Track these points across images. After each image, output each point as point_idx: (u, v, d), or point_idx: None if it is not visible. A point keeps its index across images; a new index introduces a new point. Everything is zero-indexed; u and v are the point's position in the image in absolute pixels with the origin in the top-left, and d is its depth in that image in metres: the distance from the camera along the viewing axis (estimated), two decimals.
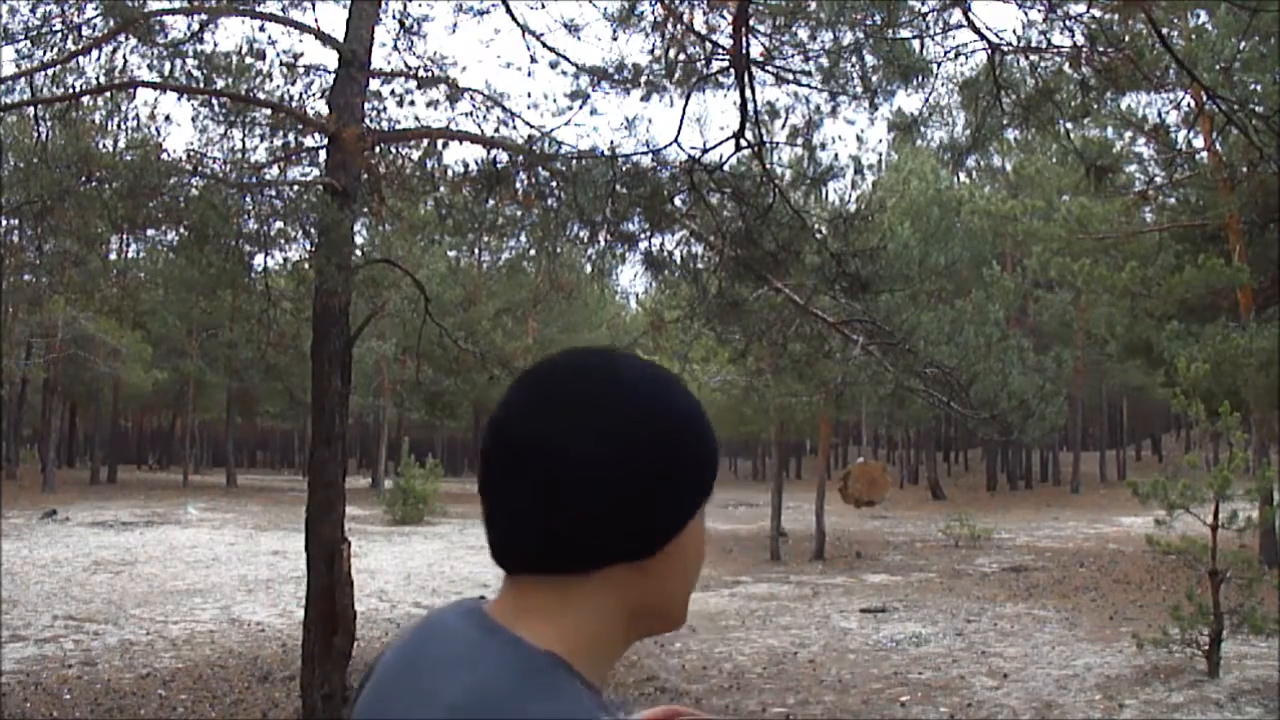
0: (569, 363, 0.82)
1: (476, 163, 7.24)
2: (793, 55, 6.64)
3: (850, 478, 17.33)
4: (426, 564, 16.27)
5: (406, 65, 8.55)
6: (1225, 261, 14.03)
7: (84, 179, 6.69)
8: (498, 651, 0.76)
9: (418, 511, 23.49)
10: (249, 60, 7.87)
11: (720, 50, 6.62)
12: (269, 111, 7.99)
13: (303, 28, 7.88)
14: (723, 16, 6.59)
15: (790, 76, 6.77)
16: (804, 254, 7.28)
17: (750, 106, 6.35)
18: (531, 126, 8.06)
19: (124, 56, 7.46)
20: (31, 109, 7.28)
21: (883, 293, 7.45)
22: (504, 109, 8.40)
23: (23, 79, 7.06)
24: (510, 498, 0.79)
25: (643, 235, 7.21)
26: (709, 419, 0.84)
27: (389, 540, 19.74)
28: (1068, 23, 5.76)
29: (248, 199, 7.55)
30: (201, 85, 7.68)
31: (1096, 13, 5.65)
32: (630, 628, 0.82)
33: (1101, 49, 5.68)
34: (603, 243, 7.32)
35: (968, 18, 5.89)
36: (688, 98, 6.71)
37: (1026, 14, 5.90)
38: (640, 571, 0.79)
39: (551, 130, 7.79)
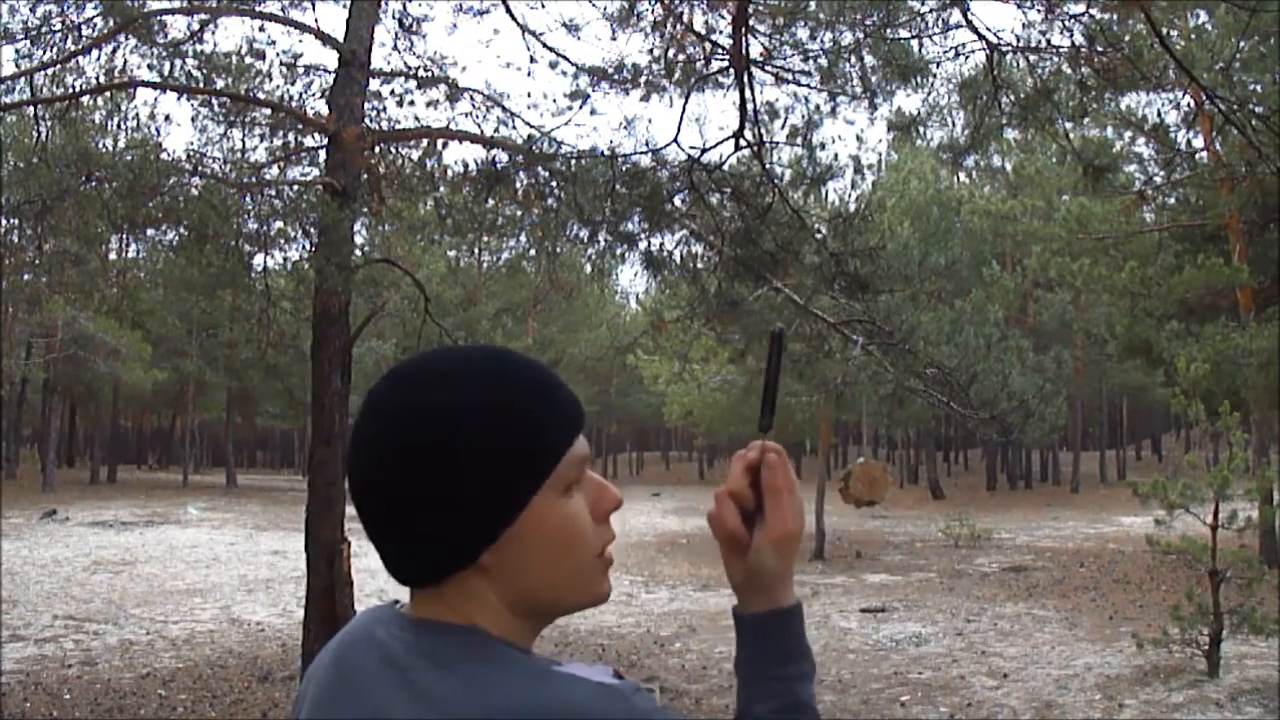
0: (374, 391, 0.84)
1: (476, 163, 7.26)
2: (792, 55, 6.64)
3: (851, 478, 17.29)
4: None
5: (406, 65, 8.56)
6: (1225, 261, 14.03)
7: (84, 179, 6.69)
8: (436, 638, 0.80)
9: None
10: (249, 60, 7.88)
11: (720, 50, 6.62)
12: (269, 111, 8.00)
13: (303, 28, 7.88)
14: (722, 16, 6.59)
15: (790, 76, 6.78)
16: (803, 254, 7.29)
17: (750, 106, 6.35)
18: (531, 126, 8.07)
19: (124, 56, 7.48)
20: (31, 109, 7.28)
21: (882, 293, 7.44)
22: (504, 109, 8.41)
23: (23, 79, 7.06)
24: (365, 525, 0.83)
25: (642, 235, 7.22)
26: (504, 400, 0.80)
27: None
28: (1067, 23, 5.76)
29: (248, 199, 7.56)
30: (201, 85, 7.69)
31: (1095, 13, 5.65)
32: (524, 616, 0.83)
33: (1100, 49, 5.68)
34: (603, 243, 7.33)
35: (967, 18, 5.89)
36: (687, 98, 6.72)
37: (1025, 14, 5.90)
38: (485, 572, 0.80)
39: (551, 130, 7.82)
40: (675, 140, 6.73)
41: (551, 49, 8.14)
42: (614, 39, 7.41)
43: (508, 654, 0.78)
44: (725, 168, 6.91)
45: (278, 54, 8.24)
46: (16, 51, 7.02)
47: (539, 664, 0.78)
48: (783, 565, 0.93)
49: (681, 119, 6.67)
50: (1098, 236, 16.25)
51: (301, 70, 8.22)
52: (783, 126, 7.23)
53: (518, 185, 7.26)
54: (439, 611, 0.81)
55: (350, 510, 7.94)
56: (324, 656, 0.87)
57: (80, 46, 7.14)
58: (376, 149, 7.80)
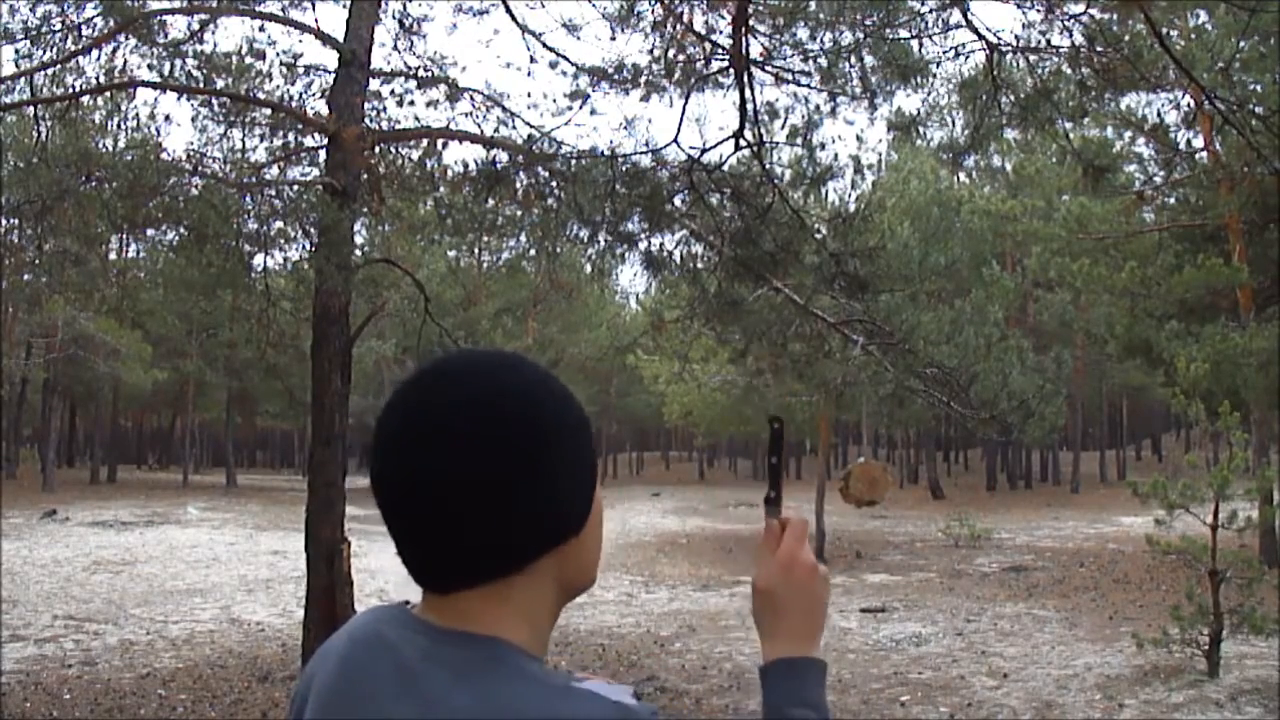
0: (430, 387, 0.82)
1: (476, 163, 7.26)
2: (792, 55, 6.64)
3: (851, 478, 17.27)
4: None
5: (406, 65, 8.56)
6: (1225, 261, 14.02)
7: (84, 179, 6.69)
8: (460, 652, 0.79)
9: None
10: (249, 60, 7.88)
11: (720, 50, 6.63)
12: (269, 111, 8.00)
13: (303, 28, 7.88)
14: (722, 16, 6.59)
15: (790, 76, 6.78)
16: (803, 254, 7.29)
17: (750, 106, 6.35)
18: (531, 126, 8.06)
19: (124, 56, 7.47)
20: (31, 109, 7.28)
21: (882, 293, 7.44)
22: (504, 109, 8.41)
23: (23, 79, 7.06)
24: (428, 527, 0.80)
25: (642, 235, 7.22)
26: (558, 380, 0.86)
27: (389, 540, 19.66)
28: (1067, 23, 5.76)
29: (248, 199, 7.55)
30: (201, 85, 7.69)
31: (1095, 13, 5.65)
32: (560, 599, 0.86)
33: (1100, 49, 5.68)
34: (603, 243, 7.33)
35: (967, 18, 5.90)
36: (687, 98, 6.72)
37: (1025, 14, 5.90)
38: (565, 551, 0.84)
39: (551, 130, 7.80)
40: (675, 140, 6.74)
41: (551, 49, 8.15)
42: (614, 39, 7.42)
43: (527, 666, 0.79)
44: (725, 168, 6.91)
45: (278, 54, 8.23)
46: (16, 51, 7.02)
47: (558, 678, 0.78)
48: (760, 616, 0.98)
49: (681, 119, 6.67)
50: (1098, 236, 16.25)
51: (301, 70, 8.22)
52: (783, 127, 7.24)
53: (518, 185, 7.27)
54: (460, 618, 0.81)
55: (350, 510, 7.91)
56: (328, 657, 0.86)
57: (80, 46, 7.14)
58: (376, 149, 7.80)
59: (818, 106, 6.96)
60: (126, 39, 7.31)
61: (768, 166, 7.01)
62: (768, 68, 6.72)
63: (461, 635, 0.80)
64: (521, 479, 0.79)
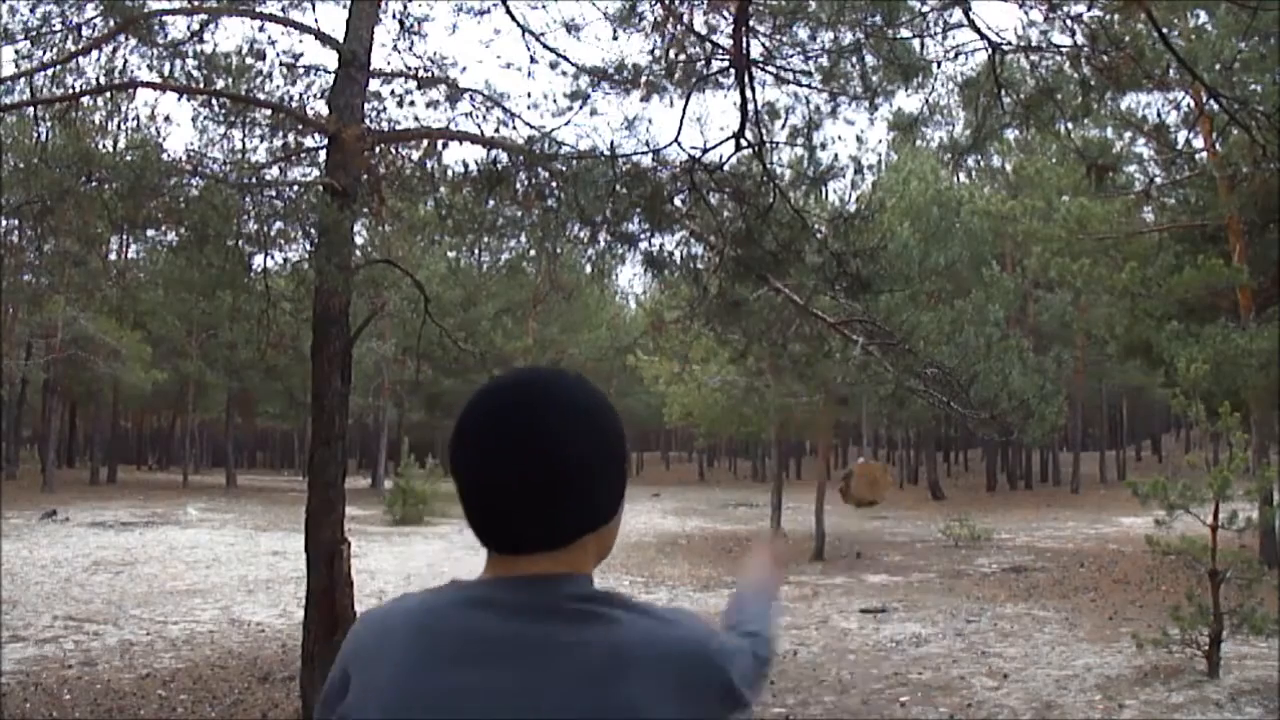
0: (544, 375, 1.07)
1: (476, 163, 7.23)
2: (793, 55, 6.64)
3: (851, 478, 17.29)
4: (426, 564, 16.27)
5: (406, 65, 8.54)
6: (1225, 261, 14.02)
7: (84, 179, 6.67)
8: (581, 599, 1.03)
9: (418, 512, 23.47)
10: (249, 60, 7.87)
11: (720, 50, 6.62)
12: (269, 112, 7.98)
13: (303, 28, 7.87)
14: (723, 16, 6.59)
15: (790, 77, 6.77)
16: (804, 254, 7.28)
17: (750, 106, 6.34)
18: (531, 126, 8.04)
19: (124, 56, 7.45)
20: (31, 109, 7.27)
21: (883, 293, 7.44)
22: (504, 109, 8.38)
23: (23, 79, 7.05)
24: (515, 492, 1.00)
25: (643, 235, 7.19)
26: None
27: (389, 541, 19.73)
28: (1068, 22, 5.76)
29: (248, 199, 7.53)
30: (201, 85, 7.68)
31: (1098, 12, 5.65)
32: (594, 564, 1.10)
33: (1102, 49, 5.68)
34: (603, 243, 7.31)
35: (968, 17, 5.89)
36: (688, 98, 6.71)
37: (1027, 14, 5.90)
38: (605, 531, 1.09)
39: (551, 130, 7.76)
40: (676, 140, 6.72)
41: (552, 49, 8.11)
42: (614, 39, 7.40)
43: (616, 593, 1.06)
44: (726, 168, 6.90)
45: (278, 54, 8.15)
46: (16, 52, 7.01)
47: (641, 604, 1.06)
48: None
49: (682, 119, 6.66)
50: (1098, 237, 16.24)
51: (302, 71, 8.20)
52: (783, 127, 7.23)
53: (518, 186, 7.25)
54: (555, 568, 1.03)
55: (350, 510, 7.88)
56: (392, 633, 1.04)
57: (80, 47, 7.13)
58: (377, 149, 7.79)
59: (818, 107, 6.95)
60: (126, 39, 7.29)
61: (768, 166, 6.99)
62: (768, 68, 6.71)
63: (560, 576, 1.03)
64: (609, 471, 1.05)
